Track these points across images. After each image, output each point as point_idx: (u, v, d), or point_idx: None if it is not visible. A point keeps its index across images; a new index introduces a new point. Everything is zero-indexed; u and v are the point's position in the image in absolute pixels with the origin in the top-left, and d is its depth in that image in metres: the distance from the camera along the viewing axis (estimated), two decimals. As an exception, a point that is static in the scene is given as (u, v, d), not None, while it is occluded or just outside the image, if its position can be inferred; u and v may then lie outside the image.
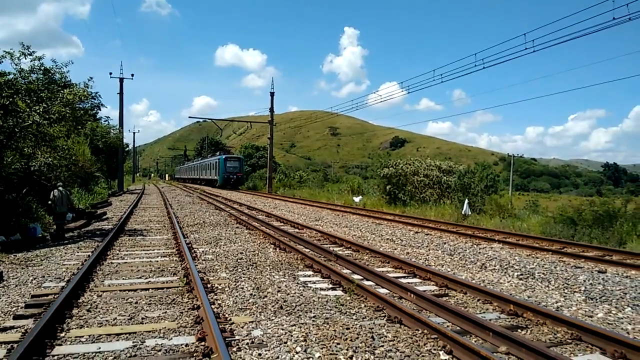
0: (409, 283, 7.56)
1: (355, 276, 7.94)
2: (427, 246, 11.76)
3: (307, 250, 10.61)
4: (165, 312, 5.99)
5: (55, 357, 4.59)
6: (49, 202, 12.69)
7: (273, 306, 6.26)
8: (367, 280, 7.83)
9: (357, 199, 28.21)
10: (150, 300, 6.53)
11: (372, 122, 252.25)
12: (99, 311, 6.03)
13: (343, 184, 43.27)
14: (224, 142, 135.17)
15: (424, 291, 6.97)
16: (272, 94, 42.75)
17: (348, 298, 6.75)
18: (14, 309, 6.18)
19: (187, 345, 4.88)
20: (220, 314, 5.81)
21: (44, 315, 5.40)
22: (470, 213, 19.73)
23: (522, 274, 8.64)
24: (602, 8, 13.38)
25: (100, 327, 5.42)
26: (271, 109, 42.83)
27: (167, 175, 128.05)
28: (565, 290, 7.58)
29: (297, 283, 7.66)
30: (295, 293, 6.96)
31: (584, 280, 8.02)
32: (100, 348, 4.78)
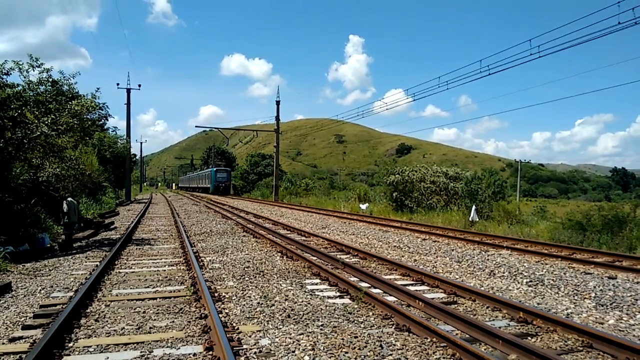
0: (417, 291, 7.51)
1: (363, 284, 7.90)
2: (434, 253, 11.70)
3: (314, 258, 10.58)
4: (173, 322, 5.98)
5: (64, 368, 4.59)
6: (65, 212, 12.66)
7: (280, 315, 6.24)
8: (375, 288, 7.78)
9: (363, 207, 28.15)
10: (158, 310, 6.53)
11: (378, 130, 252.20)
12: (107, 321, 6.03)
13: (349, 191, 43.21)
14: (230, 150, 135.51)
15: (433, 299, 6.92)
16: (277, 103, 42.89)
17: (356, 306, 6.72)
18: (23, 319, 6.20)
19: (194, 354, 4.86)
20: (228, 323, 5.80)
21: (52, 326, 5.42)
22: (477, 219, 19.63)
23: (531, 281, 8.56)
24: (607, 13, 13.35)
25: (108, 337, 5.42)
26: (277, 118, 42.97)
27: (174, 184, 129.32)
28: (575, 297, 7.50)
29: (305, 291, 7.64)
30: (302, 301, 6.94)
31: (594, 287, 7.94)
32: (108, 358, 4.79)
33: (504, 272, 9.32)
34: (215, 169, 60.52)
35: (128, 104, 42.56)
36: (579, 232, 14.93)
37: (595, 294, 7.56)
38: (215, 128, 53.36)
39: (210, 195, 53.02)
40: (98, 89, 14.99)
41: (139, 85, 43.65)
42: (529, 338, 5.44)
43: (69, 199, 12.97)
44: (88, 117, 15.50)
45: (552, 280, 8.50)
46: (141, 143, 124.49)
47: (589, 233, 14.62)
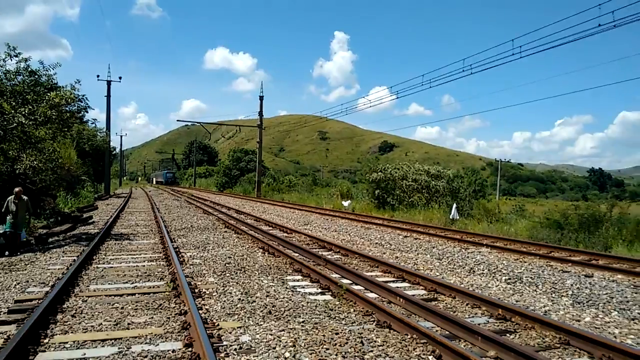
0: (398, 287, 7.55)
1: (344, 280, 7.91)
2: (415, 250, 11.78)
3: (296, 254, 10.56)
4: (152, 318, 5.90)
5: (39, 364, 4.49)
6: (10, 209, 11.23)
7: (261, 311, 6.21)
8: (356, 284, 7.80)
9: (346, 204, 28.21)
10: (136, 306, 6.43)
11: (361, 127, 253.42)
12: (84, 316, 5.92)
13: (332, 188, 43.22)
14: (212, 145, 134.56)
15: (413, 295, 6.96)
16: (261, 98, 42.60)
17: (337, 303, 6.72)
18: (-3, 314, 6.05)
19: (173, 351, 4.80)
20: (208, 319, 5.75)
21: (27, 321, 5.29)
22: (458, 217, 19.83)
23: (510, 278, 8.68)
24: (588, 15, 13.61)
25: (85, 332, 5.32)
26: (260, 113, 42.72)
27: (154, 179, 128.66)
28: (553, 295, 7.62)
29: (286, 288, 7.61)
30: (284, 298, 6.91)
31: (571, 285, 8.09)
32: (85, 354, 4.69)
33: (483, 270, 9.43)
34: (166, 171, 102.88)
35: (108, 96, 41.81)
36: (556, 230, 15.19)
37: (573, 291, 7.70)
38: (197, 123, 52.50)
39: (191, 190, 58.88)
40: (78, 80, 14.69)
41: (120, 78, 42.82)
42: (508, 335, 5.51)
43: (23, 196, 11.68)
44: (67, 109, 15.15)
45: (531, 278, 8.63)
46: (121, 136, 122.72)
47: (566, 232, 14.89)
